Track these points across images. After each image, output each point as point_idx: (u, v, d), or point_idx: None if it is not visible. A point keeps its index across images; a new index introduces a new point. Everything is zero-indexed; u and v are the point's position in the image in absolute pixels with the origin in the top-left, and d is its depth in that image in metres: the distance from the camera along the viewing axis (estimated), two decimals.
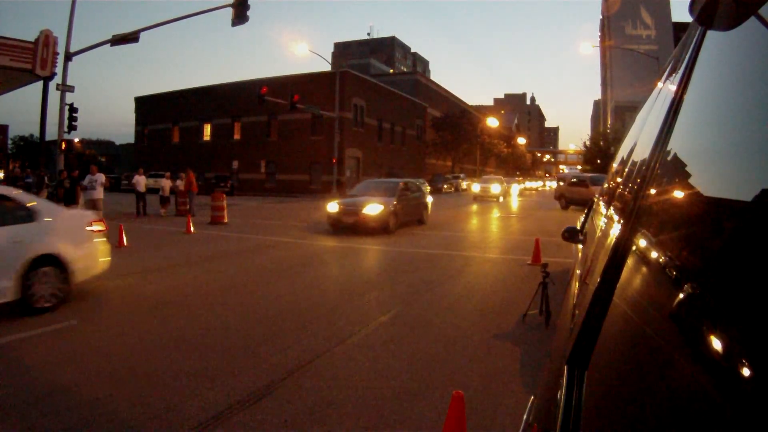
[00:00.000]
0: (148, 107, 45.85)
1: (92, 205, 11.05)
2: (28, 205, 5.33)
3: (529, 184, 55.60)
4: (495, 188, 28.12)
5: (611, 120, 64.68)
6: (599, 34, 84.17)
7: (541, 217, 18.38)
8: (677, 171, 0.77)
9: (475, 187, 29.98)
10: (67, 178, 10.76)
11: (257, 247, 10.05)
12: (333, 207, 12.03)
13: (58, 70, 16.84)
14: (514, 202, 28.62)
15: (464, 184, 45.14)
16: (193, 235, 11.94)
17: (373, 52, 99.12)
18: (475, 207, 24.04)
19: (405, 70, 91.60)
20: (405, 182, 13.96)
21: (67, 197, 10.27)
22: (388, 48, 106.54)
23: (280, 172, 36.79)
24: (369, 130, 39.32)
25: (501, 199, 29.14)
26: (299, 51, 31.16)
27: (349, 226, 11.73)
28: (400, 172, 39.66)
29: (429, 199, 15.04)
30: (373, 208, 11.55)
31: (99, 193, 11.28)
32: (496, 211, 21.58)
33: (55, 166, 15.54)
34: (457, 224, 15.50)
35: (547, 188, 62.44)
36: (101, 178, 11.54)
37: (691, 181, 0.67)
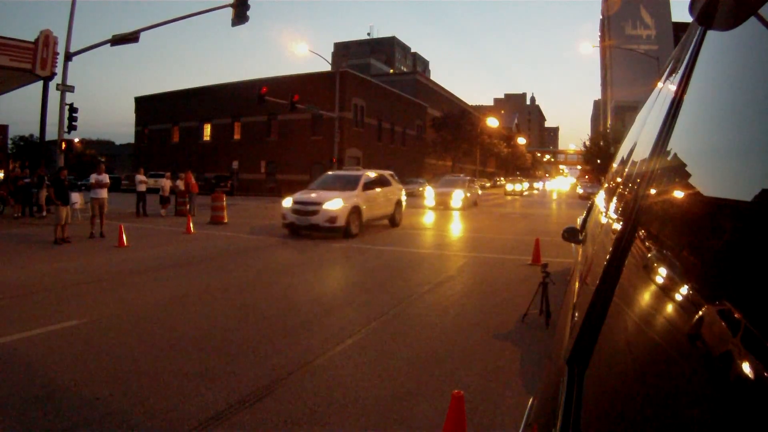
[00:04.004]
0: (148, 107, 45.85)
1: (99, 203, 11.09)
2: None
3: (510, 186, 42.04)
4: (334, 204, 11.10)
5: (611, 120, 64.64)
6: (599, 34, 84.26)
7: None
8: (677, 171, 0.77)
9: (286, 203, 11.77)
10: (60, 177, 10.75)
11: (257, 247, 10.05)
12: None
13: (58, 70, 16.86)
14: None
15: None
16: (193, 234, 11.94)
17: (373, 52, 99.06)
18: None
19: (405, 70, 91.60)
20: None
21: (60, 196, 10.25)
22: (388, 48, 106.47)
23: (280, 172, 36.77)
24: (369, 130, 39.32)
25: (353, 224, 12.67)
26: (299, 51, 31.17)
27: None
28: (400, 172, 39.56)
29: None
30: None
31: (105, 192, 11.35)
32: None
33: (56, 166, 15.54)
34: None
35: (536, 192, 48.55)
36: (106, 177, 11.60)
37: (691, 181, 0.67)
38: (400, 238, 11.86)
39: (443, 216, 18.11)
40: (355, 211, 11.52)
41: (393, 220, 13.85)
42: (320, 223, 10.99)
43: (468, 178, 25.37)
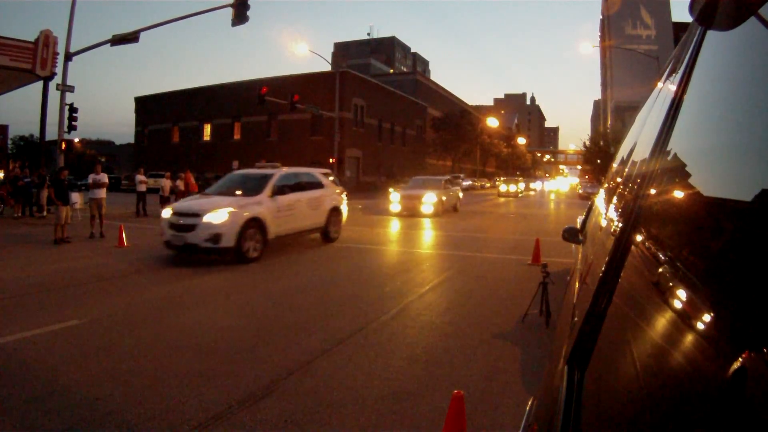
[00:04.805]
0: (148, 107, 45.87)
1: (97, 204, 11.10)
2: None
3: (503, 186, 37.08)
4: (217, 216, 8.08)
5: (611, 120, 64.61)
6: (599, 34, 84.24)
7: None
8: (677, 171, 0.77)
9: (165, 213, 8.94)
10: (61, 177, 10.79)
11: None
12: None
13: (58, 70, 16.87)
14: None
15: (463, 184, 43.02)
16: None
17: (373, 52, 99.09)
18: None
19: (405, 70, 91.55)
20: None
21: (60, 196, 10.29)
22: (388, 48, 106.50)
23: None
24: (369, 130, 39.33)
25: None
26: (299, 51, 31.16)
27: None
28: (400, 172, 39.58)
29: None
30: None
31: (103, 192, 11.35)
32: None
33: (56, 166, 15.57)
34: None
35: (533, 193, 44.98)
36: (104, 177, 11.59)
37: (691, 181, 0.67)
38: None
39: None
40: (254, 224, 8.34)
41: (326, 234, 10.65)
42: (198, 242, 7.85)
43: (445, 178, 20.62)
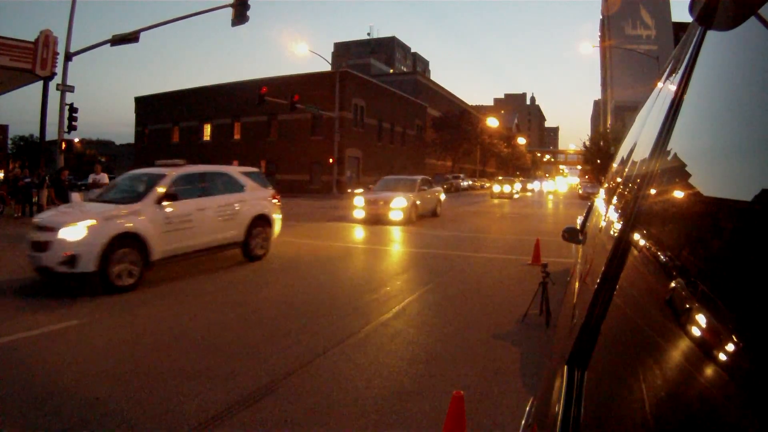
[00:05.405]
0: (148, 107, 45.88)
1: None
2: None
3: (497, 187, 34.18)
4: (74, 231, 6.01)
5: (611, 120, 64.66)
6: (599, 34, 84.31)
7: None
8: (677, 171, 0.77)
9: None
10: (61, 178, 10.82)
11: None
12: None
13: (58, 70, 16.89)
14: None
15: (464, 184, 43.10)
16: None
17: (373, 52, 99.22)
18: None
19: (405, 70, 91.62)
20: None
21: (60, 196, 10.32)
22: (388, 48, 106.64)
23: (280, 172, 36.79)
24: (369, 130, 39.33)
25: None
26: (299, 51, 31.22)
27: None
28: (400, 172, 39.56)
29: None
30: None
31: None
32: None
33: (56, 166, 15.57)
34: None
35: (530, 194, 42.35)
36: (104, 177, 11.59)
37: (691, 181, 0.67)
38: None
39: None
40: (128, 241, 6.34)
41: (247, 250, 8.31)
42: (53, 265, 5.94)
43: (421, 177, 17.24)
